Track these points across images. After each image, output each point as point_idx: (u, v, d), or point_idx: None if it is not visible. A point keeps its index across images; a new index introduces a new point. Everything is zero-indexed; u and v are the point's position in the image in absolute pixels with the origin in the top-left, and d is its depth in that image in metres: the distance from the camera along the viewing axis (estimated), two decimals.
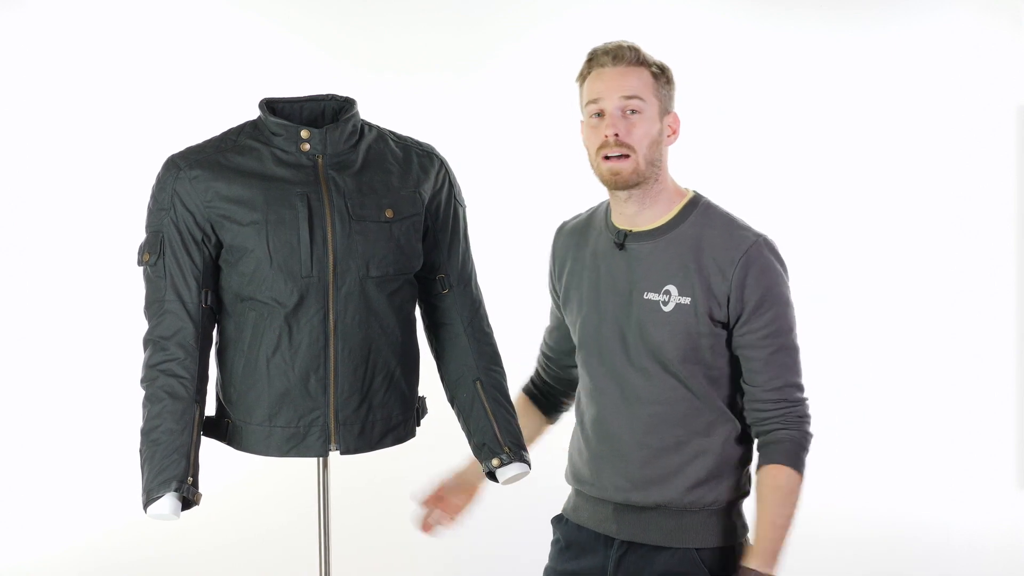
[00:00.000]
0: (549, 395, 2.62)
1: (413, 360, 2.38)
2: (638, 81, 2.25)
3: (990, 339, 4.34)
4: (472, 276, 2.45)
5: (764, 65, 4.27)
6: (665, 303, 2.24)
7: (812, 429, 2.30)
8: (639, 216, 2.30)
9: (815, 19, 4.31)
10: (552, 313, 2.57)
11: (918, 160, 4.31)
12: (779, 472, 2.25)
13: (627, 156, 2.24)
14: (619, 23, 4.18)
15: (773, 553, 2.25)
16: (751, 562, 2.24)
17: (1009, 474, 4.33)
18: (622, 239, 2.31)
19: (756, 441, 2.32)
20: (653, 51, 2.32)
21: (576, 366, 2.52)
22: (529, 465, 2.42)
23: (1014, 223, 4.31)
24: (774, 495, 2.25)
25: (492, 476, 2.43)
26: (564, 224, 2.52)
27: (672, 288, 2.24)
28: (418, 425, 2.42)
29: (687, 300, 2.23)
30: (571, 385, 2.57)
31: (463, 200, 2.44)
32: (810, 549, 4.24)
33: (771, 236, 2.30)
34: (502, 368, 2.46)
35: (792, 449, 2.26)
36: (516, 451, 2.41)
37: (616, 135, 2.24)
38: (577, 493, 2.45)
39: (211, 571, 4.00)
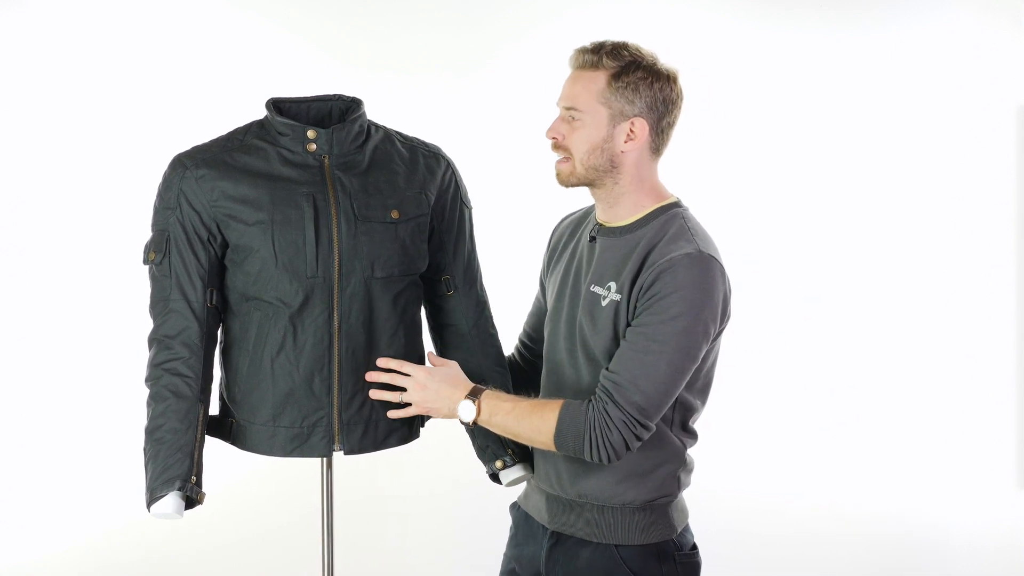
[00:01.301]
0: (519, 381, 2.58)
1: (418, 361, 2.38)
2: (582, 88, 2.24)
3: (990, 339, 4.34)
4: (477, 277, 2.45)
5: (764, 65, 4.27)
6: (604, 298, 2.25)
7: (621, 436, 2.15)
8: (609, 213, 2.32)
9: (815, 19, 4.31)
10: (536, 299, 2.59)
11: (918, 160, 4.31)
12: (552, 410, 2.19)
13: (567, 159, 2.28)
14: (619, 23, 4.18)
15: (497, 408, 2.21)
16: (488, 391, 2.24)
17: (1009, 474, 4.34)
18: (595, 232, 2.34)
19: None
20: (653, 51, 2.28)
21: None
22: (533, 467, 2.42)
23: (1014, 223, 4.31)
24: (537, 407, 2.20)
25: (496, 478, 2.43)
26: (565, 217, 2.55)
27: (613, 284, 2.25)
28: (422, 426, 2.43)
29: (619, 297, 2.22)
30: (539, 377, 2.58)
31: (469, 201, 2.44)
32: (810, 548, 4.25)
33: (718, 257, 2.21)
34: (507, 369, 2.47)
35: (575, 414, 2.17)
36: (519, 453, 2.42)
37: (554, 139, 2.28)
38: (528, 481, 2.47)
39: (214, 571, 4.00)
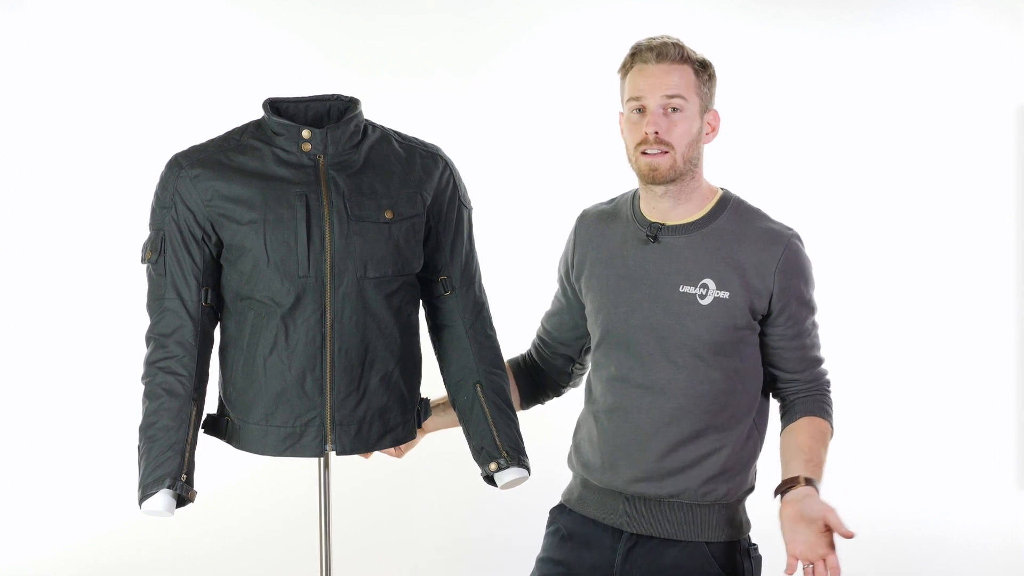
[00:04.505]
0: (535, 378, 2.59)
1: (413, 362, 2.37)
2: (680, 79, 2.27)
3: (990, 339, 4.33)
4: (476, 278, 2.43)
5: (764, 65, 4.27)
6: (702, 296, 2.27)
7: (832, 397, 2.43)
8: (673, 211, 2.33)
9: (815, 19, 4.31)
10: (556, 298, 2.57)
11: (918, 160, 4.31)
12: (821, 422, 2.35)
13: (665, 152, 2.27)
14: (619, 23, 4.18)
15: (817, 472, 2.28)
16: (806, 472, 2.26)
17: (1009, 474, 4.33)
18: (655, 232, 2.32)
19: (784, 401, 2.40)
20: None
21: (568, 357, 2.55)
22: (528, 470, 2.41)
23: (1014, 223, 4.31)
24: (821, 437, 2.33)
25: (490, 480, 2.42)
26: (587, 211, 2.52)
27: (710, 282, 2.28)
28: (419, 427, 2.42)
29: (725, 294, 2.26)
30: (558, 375, 2.57)
31: (468, 202, 2.43)
32: None
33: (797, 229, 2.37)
34: (504, 371, 2.45)
35: (824, 408, 2.38)
36: (515, 456, 2.39)
37: (656, 133, 2.26)
38: (584, 485, 2.44)
39: (212, 570, 4.00)
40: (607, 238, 2.41)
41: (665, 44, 2.28)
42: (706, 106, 2.30)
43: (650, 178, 2.29)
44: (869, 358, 4.34)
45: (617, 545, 2.35)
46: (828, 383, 2.42)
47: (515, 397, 2.56)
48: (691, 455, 2.29)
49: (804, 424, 2.34)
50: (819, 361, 2.39)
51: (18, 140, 3.95)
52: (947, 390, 4.33)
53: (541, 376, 2.59)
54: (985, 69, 4.27)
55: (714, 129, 2.33)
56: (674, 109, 2.26)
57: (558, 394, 2.63)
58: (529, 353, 2.62)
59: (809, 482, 2.22)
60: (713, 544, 2.30)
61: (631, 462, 2.33)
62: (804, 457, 2.28)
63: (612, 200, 2.48)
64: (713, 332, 2.27)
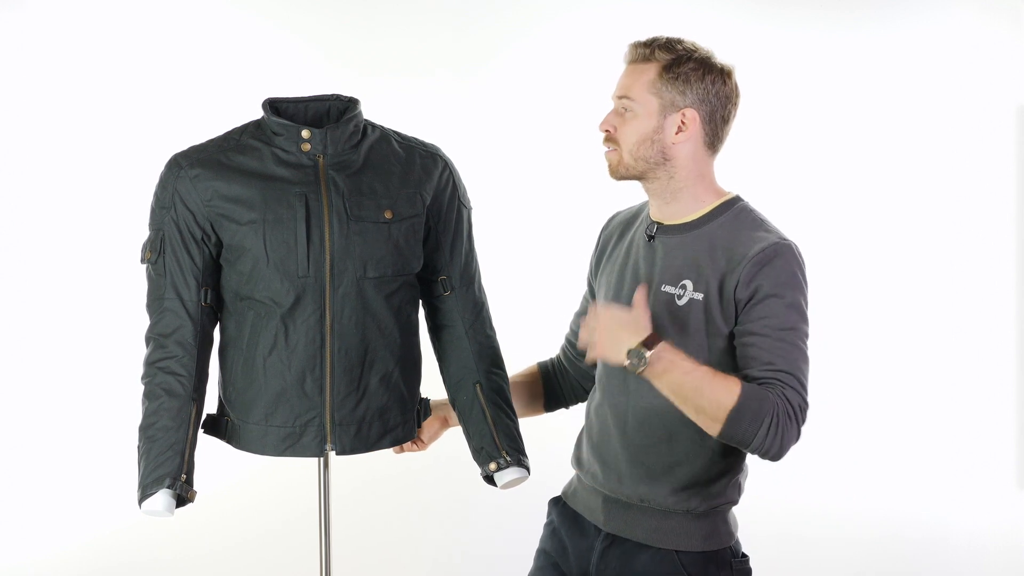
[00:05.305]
0: (560, 380, 2.60)
1: (413, 362, 2.38)
2: (633, 80, 2.27)
3: (990, 339, 4.33)
4: (475, 278, 2.44)
5: (764, 65, 4.27)
6: (680, 297, 2.24)
7: (798, 427, 2.12)
8: (664, 210, 2.32)
9: (815, 19, 4.31)
10: (584, 297, 2.57)
11: (918, 160, 4.31)
12: (736, 383, 2.08)
13: (613, 150, 2.30)
14: (619, 23, 4.18)
15: (674, 367, 2.08)
16: (666, 344, 2.10)
17: (1009, 474, 4.33)
18: (653, 231, 2.32)
19: None
20: (709, 47, 2.33)
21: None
22: (528, 470, 2.41)
23: (1014, 223, 4.31)
24: (721, 381, 2.08)
25: (490, 480, 2.42)
26: (616, 214, 2.53)
27: (688, 283, 2.24)
28: (419, 427, 2.42)
29: (700, 296, 2.22)
30: (583, 378, 2.57)
31: (468, 202, 2.43)
32: (810, 549, 4.25)
33: (799, 245, 2.25)
34: (504, 371, 2.46)
35: (760, 396, 2.08)
36: (514, 456, 2.40)
37: (607, 131, 2.30)
38: (578, 479, 2.46)
39: (212, 570, 4.00)
40: (623, 237, 2.43)
41: (634, 45, 2.30)
42: (673, 104, 2.25)
43: (609, 173, 2.32)
44: (869, 358, 4.34)
45: (596, 542, 2.35)
46: (795, 404, 2.10)
47: (539, 401, 2.58)
48: (663, 461, 2.26)
49: (725, 375, 2.11)
50: (793, 375, 2.12)
51: (18, 140, 3.94)
52: (947, 390, 4.33)
53: (568, 379, 2.59)
54: (985, 69, 4.27)
55: (687, 128, 2.26)
56: (625, 109, 2.27)
57: (583, 399, 2.62)
58: (558, 357, 2.62)
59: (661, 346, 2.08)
60: (685, 553, 2.27)
61: (607, 462, 2.34)
62: (689, 362, 2.10)
63: (644, 202, 2.47)
64: (684, 335, 2.22)
